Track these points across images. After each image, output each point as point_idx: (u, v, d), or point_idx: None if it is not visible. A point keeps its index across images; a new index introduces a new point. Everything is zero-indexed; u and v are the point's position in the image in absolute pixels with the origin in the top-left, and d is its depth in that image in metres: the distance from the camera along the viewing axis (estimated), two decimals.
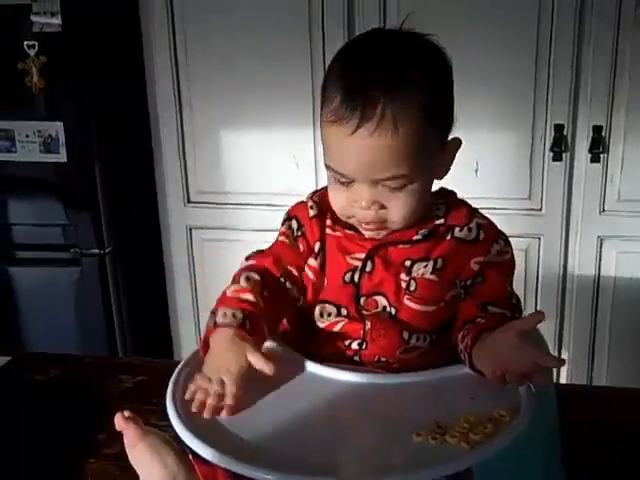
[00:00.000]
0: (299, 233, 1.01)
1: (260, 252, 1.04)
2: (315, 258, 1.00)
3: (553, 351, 2.29)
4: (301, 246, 1.01)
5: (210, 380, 0.87)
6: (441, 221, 0.99)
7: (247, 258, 1.04)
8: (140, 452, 0.85)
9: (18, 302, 2.47)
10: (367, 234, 0.97)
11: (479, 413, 0.82)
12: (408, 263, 0.98)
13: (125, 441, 0.86)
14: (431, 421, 0.81)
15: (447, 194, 1.04)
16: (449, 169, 0.99)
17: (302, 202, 1.05)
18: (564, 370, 2.29)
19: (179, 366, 0.96)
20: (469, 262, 0.99)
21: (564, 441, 1.04)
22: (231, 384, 0.86)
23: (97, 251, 2.37)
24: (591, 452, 1.15)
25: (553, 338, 2.29)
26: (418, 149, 0.90)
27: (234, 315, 0.91)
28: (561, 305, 2.28)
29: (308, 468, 0.76)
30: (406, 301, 0.98)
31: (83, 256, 2.37)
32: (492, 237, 1.01)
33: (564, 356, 2.30)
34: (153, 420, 1.29)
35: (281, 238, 1.03)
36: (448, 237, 0.99)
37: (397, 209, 0.93)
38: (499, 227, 1.03)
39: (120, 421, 0.85)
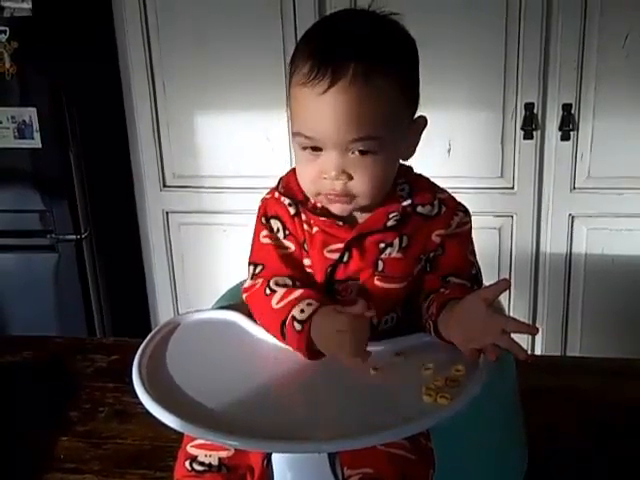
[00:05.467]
0: (287, 233, 1.01)
1: (255, 272, 1.01)
2: (307, 257, 1.01)
3: None
4: (292, 245, 1.01)
5: None
6: (408, 202, 1.00)
7: (246, 287, 1.02)
8: None
9: None
10: (334, 208, 0.97)
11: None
12: (382, 246, 0.99)
13: None
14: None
15: (406, 171, 1.04)
16: (414, 151, 1.00)
17: (274, 197, 1.03)
18: (539, 342, 2.33)
19: (145, 340, 0.98)
20: (431, 235, 1.01)
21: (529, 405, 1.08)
22: None
23: (74, 236, 2.36)
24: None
25: (527, 313, 2.31)
26: (387, 112, 0.92)
27: (309, 304, 0.92)
28: (534, 281, 2.30)
29: (275, 432, 0.78)
30: (376, 281, 0.99)
31: (60, 242, 2.36)
32: (452, 210, 1.03)
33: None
34: (125, 398, 1.31)
35: (266, 241, 1.02)
36: (413, 215, 1.01)
37: (363, 179, 0.93)
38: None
39: None
